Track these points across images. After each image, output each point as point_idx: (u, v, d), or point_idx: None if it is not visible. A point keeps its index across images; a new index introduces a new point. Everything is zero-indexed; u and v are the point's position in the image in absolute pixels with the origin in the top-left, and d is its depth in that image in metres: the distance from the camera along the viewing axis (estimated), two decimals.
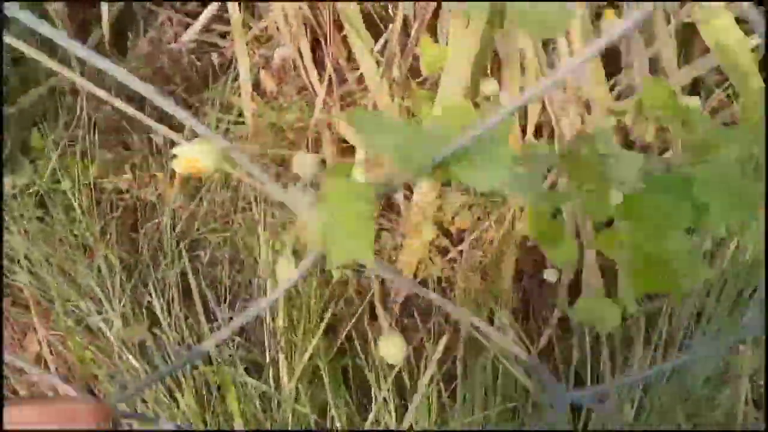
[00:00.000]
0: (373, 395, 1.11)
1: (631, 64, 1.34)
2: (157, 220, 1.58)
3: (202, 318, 1.20)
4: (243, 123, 1.85)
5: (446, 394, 1.02)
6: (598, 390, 0.38)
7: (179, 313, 1.34)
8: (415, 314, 1.33)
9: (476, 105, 1.48)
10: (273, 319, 1.19)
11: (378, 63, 1.44)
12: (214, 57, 1.83)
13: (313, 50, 1.67)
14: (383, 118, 0.24)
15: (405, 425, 0.97)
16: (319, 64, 1.74)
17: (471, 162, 0.23)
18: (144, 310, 1.32)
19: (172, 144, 1.74)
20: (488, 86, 1.20)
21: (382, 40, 1.61)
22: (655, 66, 1.28)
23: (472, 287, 1.43)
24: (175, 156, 0.26)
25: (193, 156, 0.25)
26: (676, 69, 1.05)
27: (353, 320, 1.19)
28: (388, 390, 1.00)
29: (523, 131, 1.33)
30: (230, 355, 1.28)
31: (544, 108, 1.26)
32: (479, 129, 0.22)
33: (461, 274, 1.44)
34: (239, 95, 1.81)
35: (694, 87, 1.24)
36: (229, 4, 1.52)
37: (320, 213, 0.25)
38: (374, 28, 1.63)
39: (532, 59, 1.06)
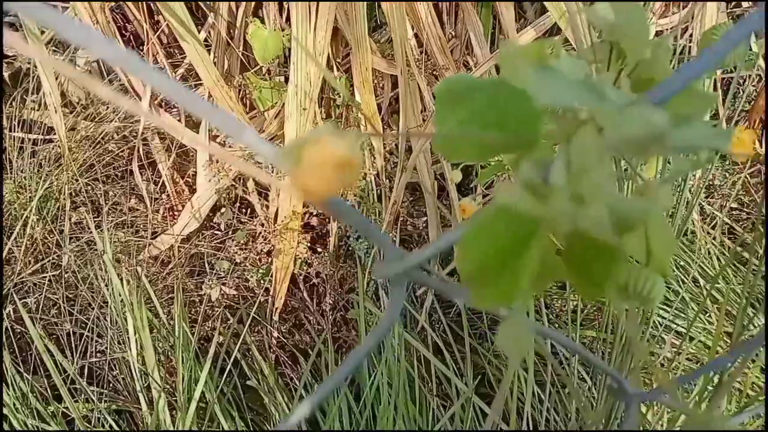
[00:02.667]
0: (272, 415, 1.01)
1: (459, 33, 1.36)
2: None
3: (53, 374, 1.00)
4: (51, 141, 1.60)
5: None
6: None
7: (15, 375, 1.11)
8: (306, 321, 1.25)
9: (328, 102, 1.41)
10: (140, 358, 1.03)
11: (208, 52, 1.30)
12: (3, 69, 1.55)
13: (126, 46, 1.48)
14: (544, 68, 0.16)
15: None
16: None
17: None
18: None
19: None
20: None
21: (204, 33, 1.48)
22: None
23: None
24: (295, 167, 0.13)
25: (347, 160, 0.14)
26: (514, 31, 1.08)
27: (238, 340, 1.08)
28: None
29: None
30: (92, 410, 1.10)
31: None
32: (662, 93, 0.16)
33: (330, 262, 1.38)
34: (41, 109, 1.55)
35: None
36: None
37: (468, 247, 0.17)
38: (195, 18, 1.48)
39: (398, 37, 1.01)
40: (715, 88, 1.47)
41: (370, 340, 0.19)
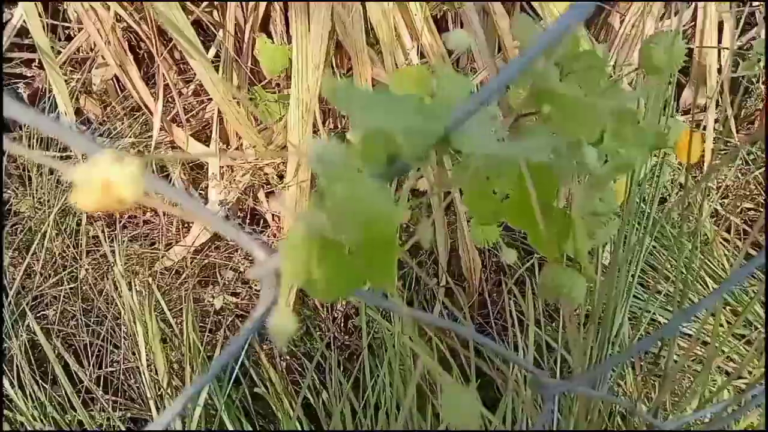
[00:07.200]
0: (280, 421, 1.03)
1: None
2: None
3: (65, 385, 1.03)
4: (69, 158, 1.65)
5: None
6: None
7: (34, 386, 1.15)
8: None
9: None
10: (150, 367, 1.06)
11: (216, 69, 1.34)
12: (21, 88, 1.60)
13: (139, 66, 1.52)
14: (368, 92, 0.19)
15: None
16: (148, 80, 1.59)
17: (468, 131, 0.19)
18: None
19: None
20: None
21: (213, 49, 1.52)
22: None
23: None
24: (73, 184, 0.15)
25: (112, 182, 0.15)
26: (510, 39, 1.09)
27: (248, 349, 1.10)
28: (299, 415, 0.93)
29: None
30: (108, 419, 1.13)
31: None
32: (479, 98, 0.18)
33: None
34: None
35: None
36: (31, 29, 1.32)
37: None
38: (204, 35, 1.53)
39: (388, 48, 1.03)
40: (722, 90, 1.46)
41: (240, 338, 0.21)
